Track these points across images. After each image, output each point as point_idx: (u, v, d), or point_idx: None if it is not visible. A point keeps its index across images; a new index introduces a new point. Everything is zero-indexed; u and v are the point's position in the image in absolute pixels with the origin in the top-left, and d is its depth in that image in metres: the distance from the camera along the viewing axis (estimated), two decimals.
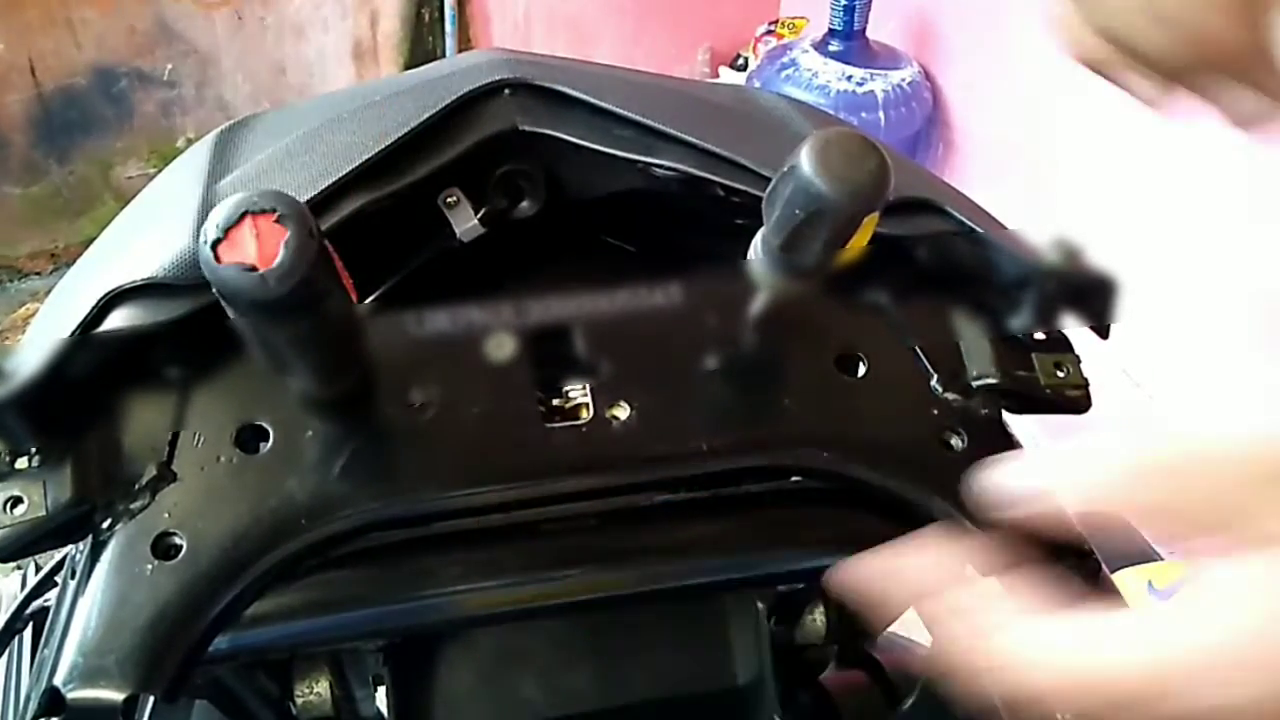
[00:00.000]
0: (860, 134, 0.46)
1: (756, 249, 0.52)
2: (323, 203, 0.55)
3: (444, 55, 3.09)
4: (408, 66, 3.07)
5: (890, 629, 0.73)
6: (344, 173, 0.55)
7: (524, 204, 0.65)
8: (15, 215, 2.82)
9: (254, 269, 0.40)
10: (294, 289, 0.41)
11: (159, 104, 2.86)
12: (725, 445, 0.54)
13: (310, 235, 0.41)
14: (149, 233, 0.56)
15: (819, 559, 0.58)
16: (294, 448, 0.51)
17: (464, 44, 3.11)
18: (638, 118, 0.59)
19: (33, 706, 0.45)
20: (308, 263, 0.41)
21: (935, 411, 0.56)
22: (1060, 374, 0.58)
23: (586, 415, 0.54)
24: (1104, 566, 0.55)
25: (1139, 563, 2.13)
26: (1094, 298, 0.54)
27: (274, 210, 0.41)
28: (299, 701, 0.66)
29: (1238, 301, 1.86)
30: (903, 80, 2.55)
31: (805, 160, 0.45)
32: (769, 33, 3.21)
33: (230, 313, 0.44)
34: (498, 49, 0.67)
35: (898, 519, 0.56)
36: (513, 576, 0.52)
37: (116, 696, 0.45)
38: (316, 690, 0.66)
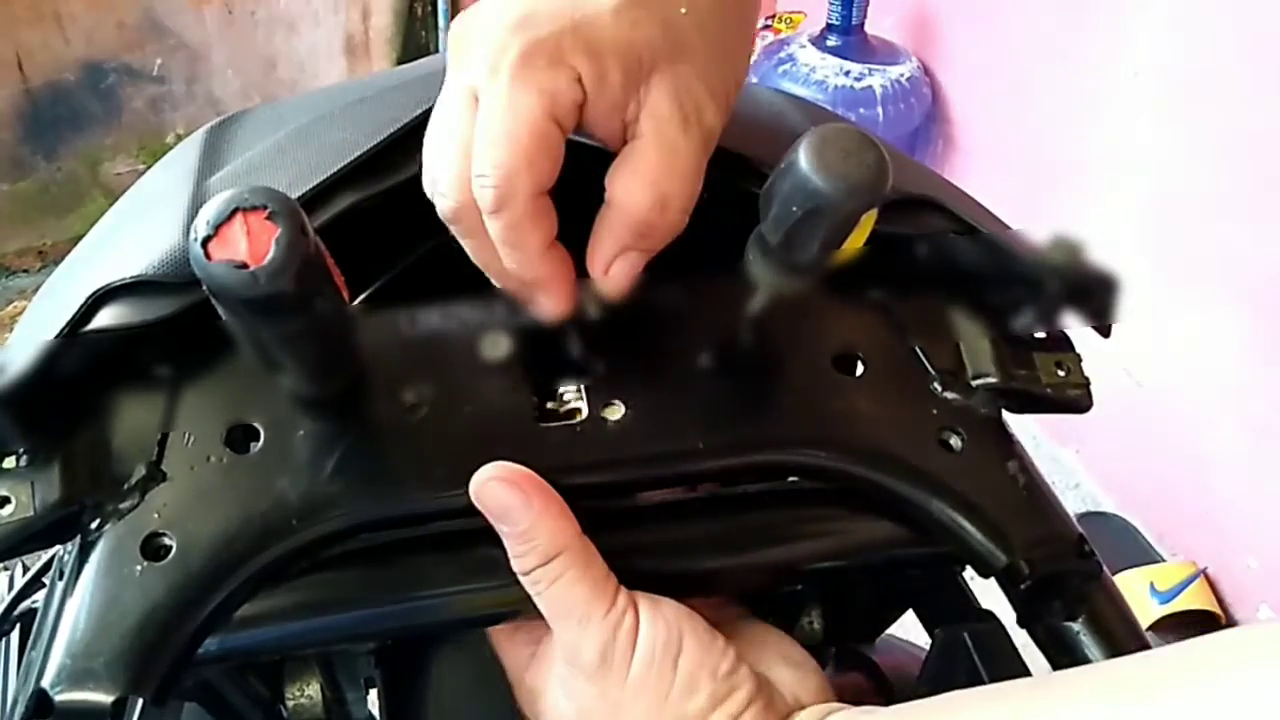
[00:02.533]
0: (858, 130, 0.45)
1: (753, 246, 0.51)
2: (314, 199, 0.54)
3: (436, 50, 3.08)
4: (400, 61, 3.07)
5: (889, 631, 0.73)
6: (336, 169, 0.55)
7: None
8: (3, 212, 2.81)
9: (245, 266, 0.40)
10: (285, 287, 0.40)
11: (148, 100, 2.85)
12: (721, 445, 0.54)
13: (302, 232, 0.41)
14: (138, 230, 0.56)
15: (815, 561, 0.57)
16: (285, 447, 0.51)
17: None
18: None
19: (20, 709, 0.45)
20: (299, 260, 0.41)
21: (934, 411, 0.56)
22: (1061, 373, 0.58)
23: (581, 415, 0.53)
24: (1105, 567, 0.55)
25: (1141, 564, 2.12)
26: (1095, 296, 0.54)
27: (265, 207, 0.41)
28: (290, 704, 0.65)
29: (1236, 296, 1.86)
30: (901, 76, 2.54)
31: (803, 156, 0.44)
32: (766, 27, 3.20)
33: (221, 311, 0.43)
34: None
35: (896, 519, 0.56)
36: (507, 578, 0.52)
37: (105, 699, 0.44)
38: (307, 693, 0.65)
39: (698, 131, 0.48)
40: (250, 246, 0.40)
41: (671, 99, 0.47)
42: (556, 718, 0.52)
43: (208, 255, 0.40)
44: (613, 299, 0.51)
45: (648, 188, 0.47)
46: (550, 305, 0.51)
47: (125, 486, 0.49)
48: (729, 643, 0.50)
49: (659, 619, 0.49)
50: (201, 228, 0.40)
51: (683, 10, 0.47)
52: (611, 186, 0.48)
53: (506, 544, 0.50)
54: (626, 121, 0.48)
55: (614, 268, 0.50)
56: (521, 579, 0.50)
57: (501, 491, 0.49)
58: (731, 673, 0.49)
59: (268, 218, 0.40)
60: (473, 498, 0.50)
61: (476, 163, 0.46)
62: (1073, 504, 2.29)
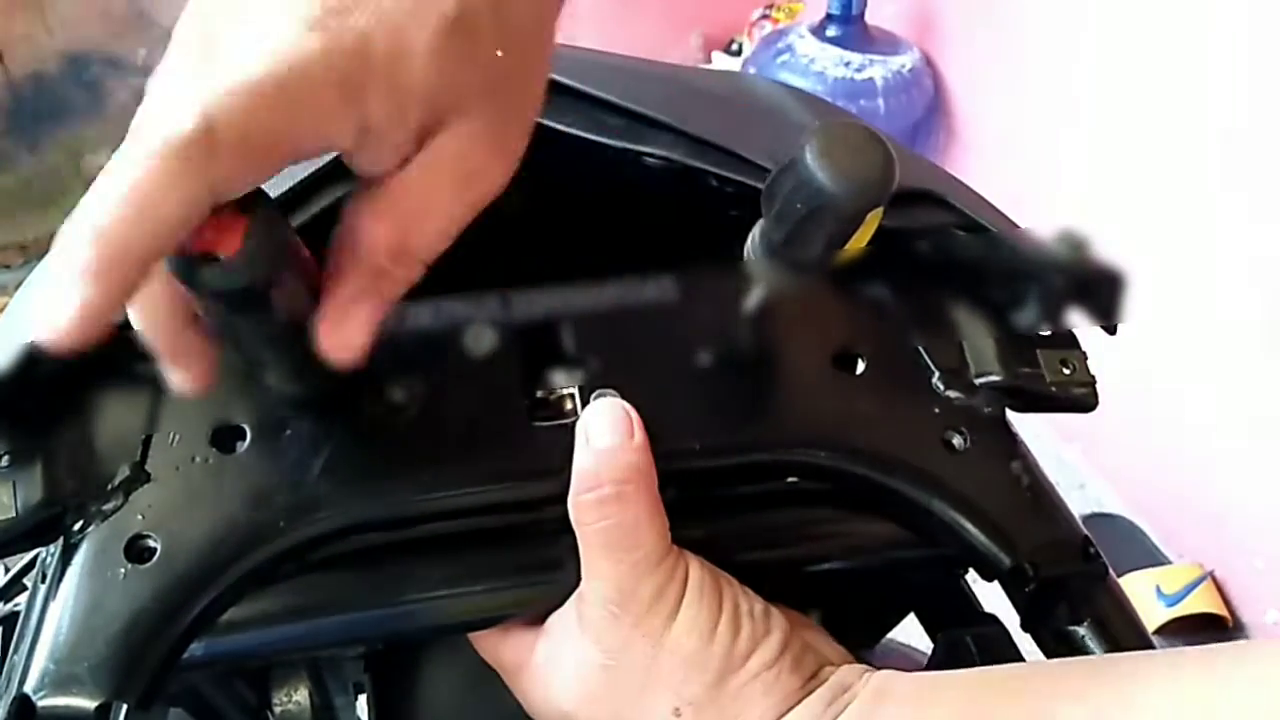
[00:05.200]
0: (865, 126, 0.45)
1: (754, 243, 0.51)
2: (300, 194, 0.53)
3: None
4: None
5: (889, 636, 0.72)
6: (322, 163, 0.53)
7: (509, 194, 0.64)
8: None
9: (215, 259, 0.39)
10: (256, 280, 0.39)
11: (133, 91, 2.82)
12: (718, 444, 0.53)
13: (274, 224, 0.40)
14: None
15: (814, 563, 0.57)
16: (272, 448, 0.50)
17: None
18: (627, 105, 0.57)
19: (1, 714, 0.44)
20: (271, 253, 0.39)
21: (936, 410, 0.55)
22: (1066, 371, 0.57)
23: (575, 414, 0.52)
24: (1111, 569, 0.54)
25: (1147, 566, 2.11)
26: (1102, 293, 0.53)
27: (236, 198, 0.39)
28: (277, 710, 0.65)
29: (1245, 294, 1.85)
30: (903, 66, 2.52)
31: (808, 153, 0.44)
32: (764, 17, 3.18)
33: (198, 307, 0.42)
34: None
35: (897, 520, 0.55)
36: (499, 581, 0.51)
37: (89, 705, 0.43)
38: (295, 698, 0.65)
39: (471, 195, 0.44)
40: (220, 238, 0.39)
41: (456, 157, 0.42)
42: (578, 672, 0.51)
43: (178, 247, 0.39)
44: (345, 362, 0.44)
45: (396, 231, 0.43)
46: (179, 381, 0.45)
47: (109, 487, 0.48)
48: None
49: (697, 563, 0.50)
50: None
51: (499, 53, 0.42)
52: (357, 219, 0.43)
53: (584, 461, 0.49)
54: (400, 160, 0.42)
55: (348, 320, 0.43)
56: (589, 497, 0.48)
57: (620, 410, 0.50)
58: (767, 614, 0.50)
59: (239, 209, 0.39)
60: (585, 411, 0.50)
61: None
62: (1077, 505, 2.26)
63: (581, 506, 0.49)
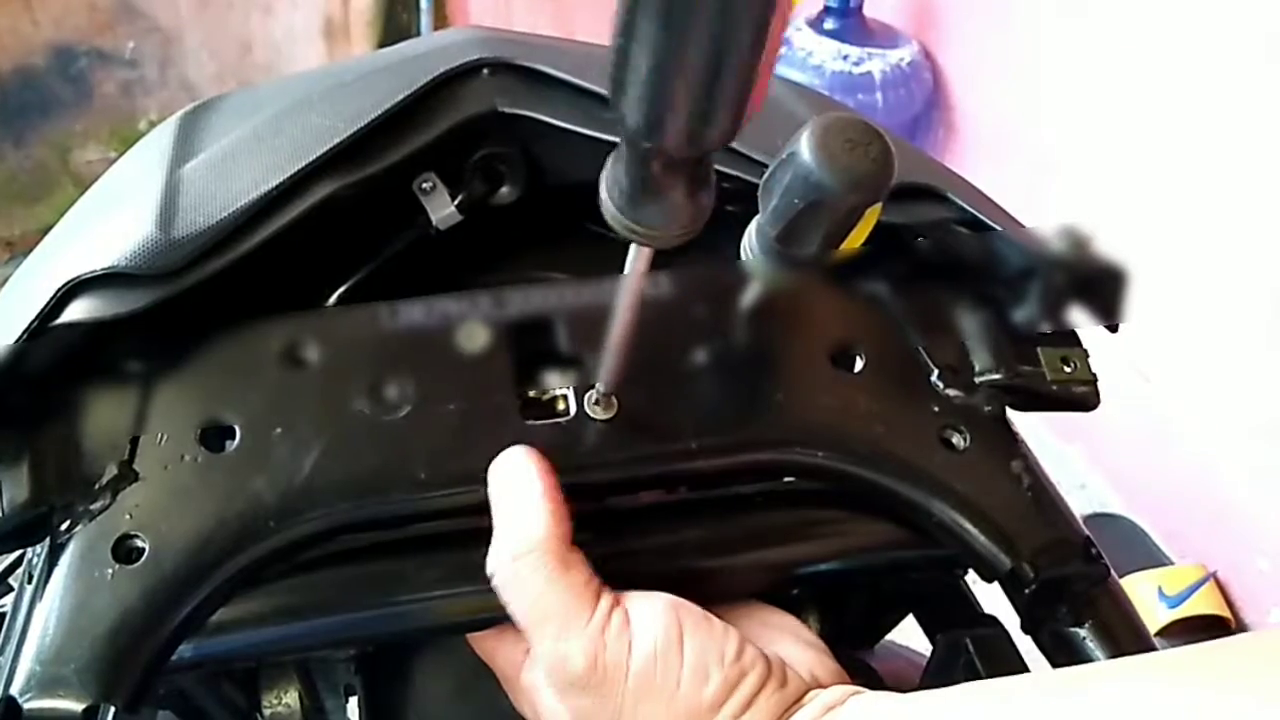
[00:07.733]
0: (863, 120, 0.44)
1: (751, 238, 0.50)
2: (291, 189, 0.53)
3: (418, 33, 3.06)
4: (381, 45, 3.05)
5: (888, 637, 0.72)
6: (314, 157, 0.54)
7: (503, 189, 0.64)
8: None
9: None
10: None
11: (120, 84, 2.81)
12: (714, 444, 0.52)
13: None
14: (110, 220, 0.54)
15: (812, 564, 0.56)
16: (262, 446, 0.49)
17: (440, 21, 3.07)
18: None
19: None
20: None
21: (936, 408, 0.55)
22: (1067, 369, 0.57)
23: (569, 413, 0.52)
24: (1112, 571, 0.54)
25: (1149, 567, 2.10)
26: (1103, 290, 0.53)
27: None
28: (267, 712, 0.64)
29: (1249, 291, 1.85)
30: (901, 60, 2.50)
31: (806, 147, 0.43)
32: None
33: None
34: (476, 26, 0.66)
35: (896, 520, 0.55)
36: (491, 582, 0.50)
37: (76, 707, 0.43)
38: (285, 701, 0.64)
39: None
40: None
41: None
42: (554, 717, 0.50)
43: None
44: None
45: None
46: None
47: (96, 486, 0.48)
48: (731, 626, 0.49)
49: (651, 613, 0.47)
50: None
51: None
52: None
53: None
54: None
55: None
56: (492, 576, 0.48)
57: (513, 466, 0.49)
58: (739, 656, 0.47)
59: None
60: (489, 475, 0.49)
61: None
62: (1078, 504, 2.24)
63: (497, 585, 0.48)
